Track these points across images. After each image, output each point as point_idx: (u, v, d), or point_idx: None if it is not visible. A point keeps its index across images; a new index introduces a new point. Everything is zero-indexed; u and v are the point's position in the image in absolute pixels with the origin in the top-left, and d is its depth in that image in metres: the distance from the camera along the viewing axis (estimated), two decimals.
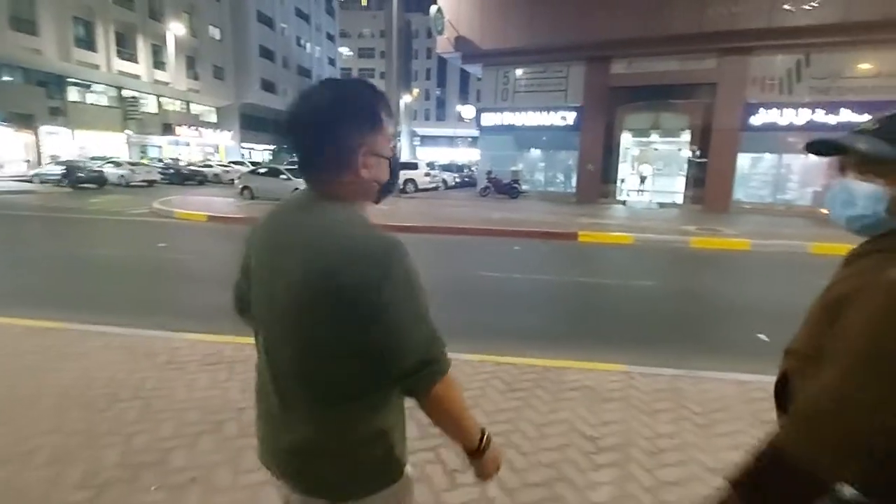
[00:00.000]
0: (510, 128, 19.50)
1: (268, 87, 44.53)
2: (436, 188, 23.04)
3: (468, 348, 3.64)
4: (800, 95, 15.82)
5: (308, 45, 52.95)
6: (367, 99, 0.90)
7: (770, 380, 0.94)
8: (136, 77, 31.73)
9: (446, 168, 27.68)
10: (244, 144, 44.19)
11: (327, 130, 0.86)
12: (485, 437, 0.95)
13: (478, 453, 0.95)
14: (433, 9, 17.97)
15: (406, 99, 48.99)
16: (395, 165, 0.99)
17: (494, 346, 3.84)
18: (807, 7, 14.55)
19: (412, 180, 21.06)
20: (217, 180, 26.88)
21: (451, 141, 67.17)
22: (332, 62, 58.55)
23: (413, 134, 61.58)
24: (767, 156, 17.03)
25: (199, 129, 38.62)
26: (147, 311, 4.73)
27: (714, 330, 4.96)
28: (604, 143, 18.17)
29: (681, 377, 3.33)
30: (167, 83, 33.83)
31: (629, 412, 2.86)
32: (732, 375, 3.35)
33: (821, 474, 0.69)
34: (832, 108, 15.37)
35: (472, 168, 31.49)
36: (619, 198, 18.49)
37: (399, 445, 0.95)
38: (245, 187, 16.12)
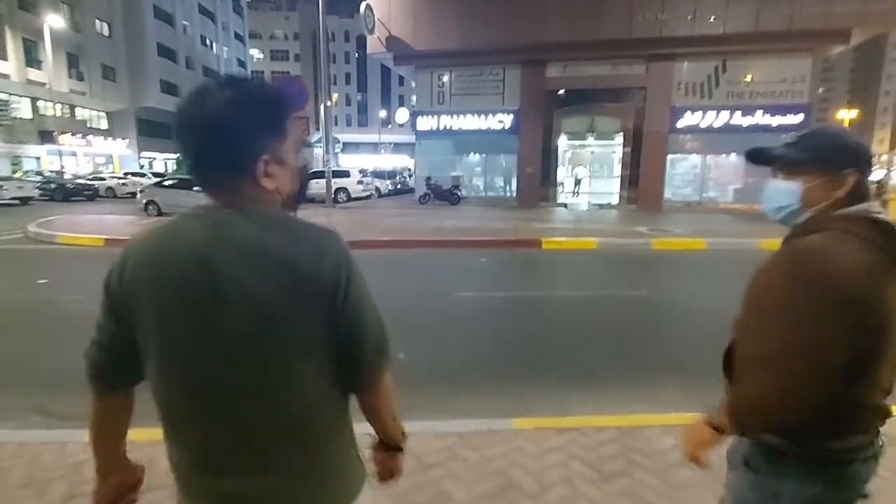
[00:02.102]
0: (447, 132, 18.86)
1: (169, 89, 40.26)
2: (369, 196, 21.83)
3: (515, 408, 2.71)
4: (718, 99, 16.81)
5: (214, 45, 48.88)
6: (271, 101, 0.84)
7: None
8: (5, 76, 26.99)
9: (377, 175, 26.45)
10: (144, 154, 39.50)
11: (224, 132, 0.79)
12: (404, 433, 1.02)
13: (398, 449, 1.01)
14: (363, 6, 16.84)
15: (327, 104, 46.85)
16: (304, 176, 0.94)
17: (557, 401, 2.94)
18: (714, 19, 15.46)
19: (344, 189, 19.75)
20: (111, 195, 23.58)
21: (374, 147, 65.73)
22: (241, 64, 54.64)
23: (335, 140, 59.24)
24: (692, 156, 17.96)
25: (87, 136, 33.70)
26: (16, 389, 3.25)
27: None
28: (542, 146, 18.13)
29: None
30: (44, 84, 29.08)
31: None
32: None
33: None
34: (747, 110, 16.50)
35: (405, 174, 30.54)
36: (559, 200, 18.53)
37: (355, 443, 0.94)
38: (150, 202, 13.87)
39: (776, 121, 16.27)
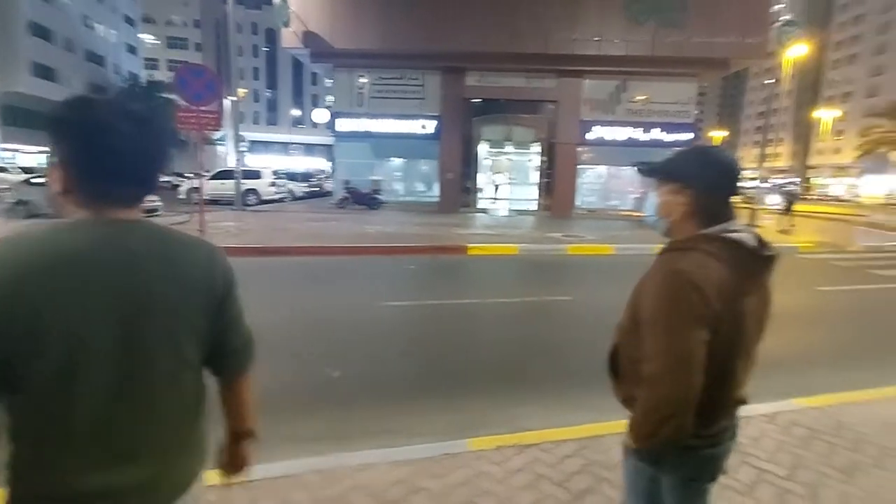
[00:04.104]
0: (367, 135, 18.38)
1: (43, 72, 34.97)
2: (282, 199, 20.59)
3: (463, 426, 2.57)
4: (620, 115, 18.24)
5: (100, 26, 43.36)
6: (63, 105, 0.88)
7: None
8: None
9: (291, 177, 25.01)
10: (7, 145, 33.81)
11: (156, 155, 0.93)
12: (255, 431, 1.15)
13: (252, 434, 1.13)
14: None
15: (232, 99, 43.65)
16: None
17: (506, 414, 2.84)
18: (618, 41, 16.81)
19: (254, 191, 18.44)
20: None
21: (284, 147, 62.51)
22: (132, 50, 49.05)
23: (240, 138, 55.44)
24: (599, 167, 19.28)
25: None
26: None
27: None
28: (462, 152, 18.34)
29: None
30: None
31: None
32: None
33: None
34: (645, 127, 18.07)
35: (321, 177, 29.32)
36: (479, 206, 18.88)
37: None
38: (20, 202, 11.82)
39: (670, 137, 18.02)
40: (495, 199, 19.30)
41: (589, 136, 18.21)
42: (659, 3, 16.34)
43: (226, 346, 1.02)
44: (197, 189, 11.21)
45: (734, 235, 1.11)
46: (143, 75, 47.58)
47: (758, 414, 3.02)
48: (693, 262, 1.07)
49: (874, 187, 48.27)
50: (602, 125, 18.13)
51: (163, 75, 47.94)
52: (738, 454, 2.56)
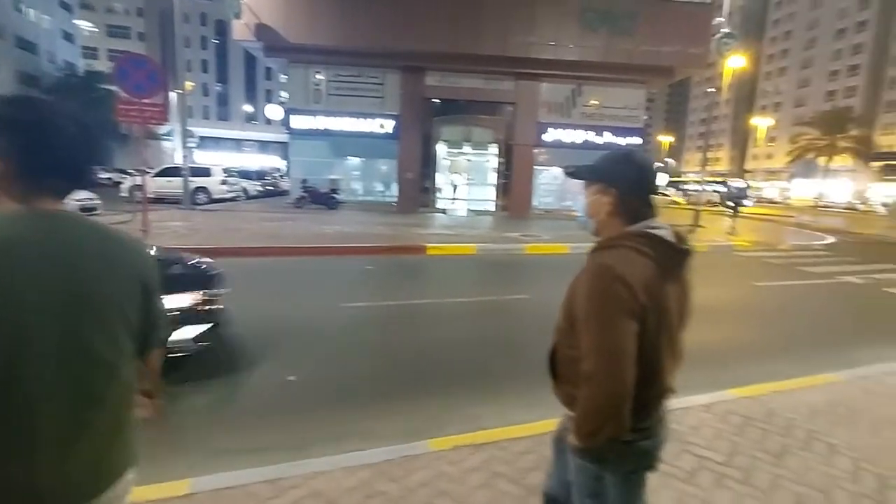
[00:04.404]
0: (324, 133, 18.01)
1: None
2: (235, 198, 19.85)
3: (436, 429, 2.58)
4: (575, 119, 18.79)
5: (31, 11, 40.13)
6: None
7: None
8: None
9: (244, 175, 24.12)
10: None
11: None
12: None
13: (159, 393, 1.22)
14: None
15: (179, 92, 41.64)
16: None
17: (465, 414, 2.86)
18: (573, 46, 17.31)
19: (204, 189, 17.67)
20: None
21: (237, 144, 60.22)
22: (68, 37, 45.72)
23: (189, 134, 52.94)
24: (555, 169, 19.76)
25: None
26: None
27: None
28: (422, 152, 18.33)
29: None
30: None
31: None
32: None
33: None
34: (598, 130, 18.71)
35: (276, 175, 28.47)
36: (438, 206, 18.92)
37: None
38: None
39: (621, 141, 18.74)
40: (454, 199, 19.39)
41: (545, 137, 18.65)
42: (611, 11, 16.95)
43: (151, 336, 1.08)
44: (140, 186, 10.62)
45: (656, 232, 1.18)
46: (81, 65, 44.49)
47: (697, 404, 3.19)
48: (619, 258, 1.14)
49: (803, 190, 52.24)
50: (558, 128, 18.61)
51: (103, 65, 45.10)
52: (678, 443, 2.71)
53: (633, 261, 1.13)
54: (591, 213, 1.29)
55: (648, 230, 1.19)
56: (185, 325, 3.21)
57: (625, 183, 1.22)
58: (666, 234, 1.19)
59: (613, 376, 1.09)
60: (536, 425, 2.81)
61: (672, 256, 1.19)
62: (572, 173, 1.32)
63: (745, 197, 15.84)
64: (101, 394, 0.93)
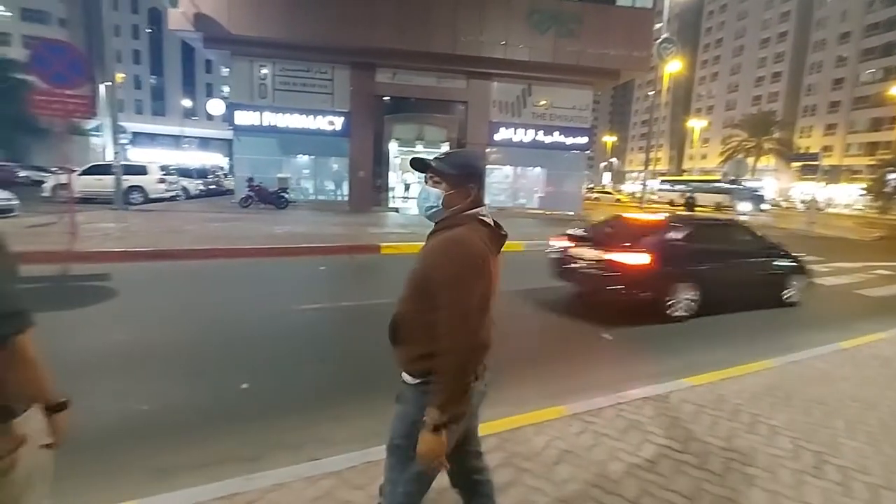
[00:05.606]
0: (272, 129, 17.35)
1: None
2: (174, 198, 18.70)
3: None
4: (525, 119, 19.16)
5: None
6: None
7: None
8: None
9: (184, 173, 22.76)
10: None
11: None
12: (68, 400, 1.15)
13: (59, 407, 1.13)
14: None
15: (107, 84, 38.76)
16: None
17: None
18: (522, 47, 17.65)
19: (139, 188, 16.51)
20: None
21: (175, 141, 56.87)
22: None
23: (120, 129, 49.37)
24: (506, 167, 20.08)
25: None
26: None
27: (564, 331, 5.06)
28: (374, 151, 18.06)
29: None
30: None
31: None
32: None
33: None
34: (548, 130, 19.17)
35: (219, 173, 27.14)
36: (391, 205, 18.72)
37: None
38: None
39: (569, 140, 19.32)
40: (406, 197, 19.27)
41: (497, 136, 18.90)
42: (558, 14, 17.40)
43: None
44: (65, 185, 9.73)
45: (484, 218, 1.44)
46: None
47: (654, 394, 3.31)
48: (468, 233, 1.38)
49: None
50: (509, 127, 18.90)
51: (16, 52, 41.20)
52: (640, 433, 2.79)
53: (475, 236, 1.38)
54: (448, 205, 1.46)
55: (479, 216, 1.43)
56: None
57: (462, 175, 1.45)
58: (490, 220, 1.45)
59: (472, 329, 1.32)
60: (501, 422, 2.81)
61: (495, 238, 1.44)
62: (418, 166, 1.50)
63: (763, 200, 14.11)
64: None
